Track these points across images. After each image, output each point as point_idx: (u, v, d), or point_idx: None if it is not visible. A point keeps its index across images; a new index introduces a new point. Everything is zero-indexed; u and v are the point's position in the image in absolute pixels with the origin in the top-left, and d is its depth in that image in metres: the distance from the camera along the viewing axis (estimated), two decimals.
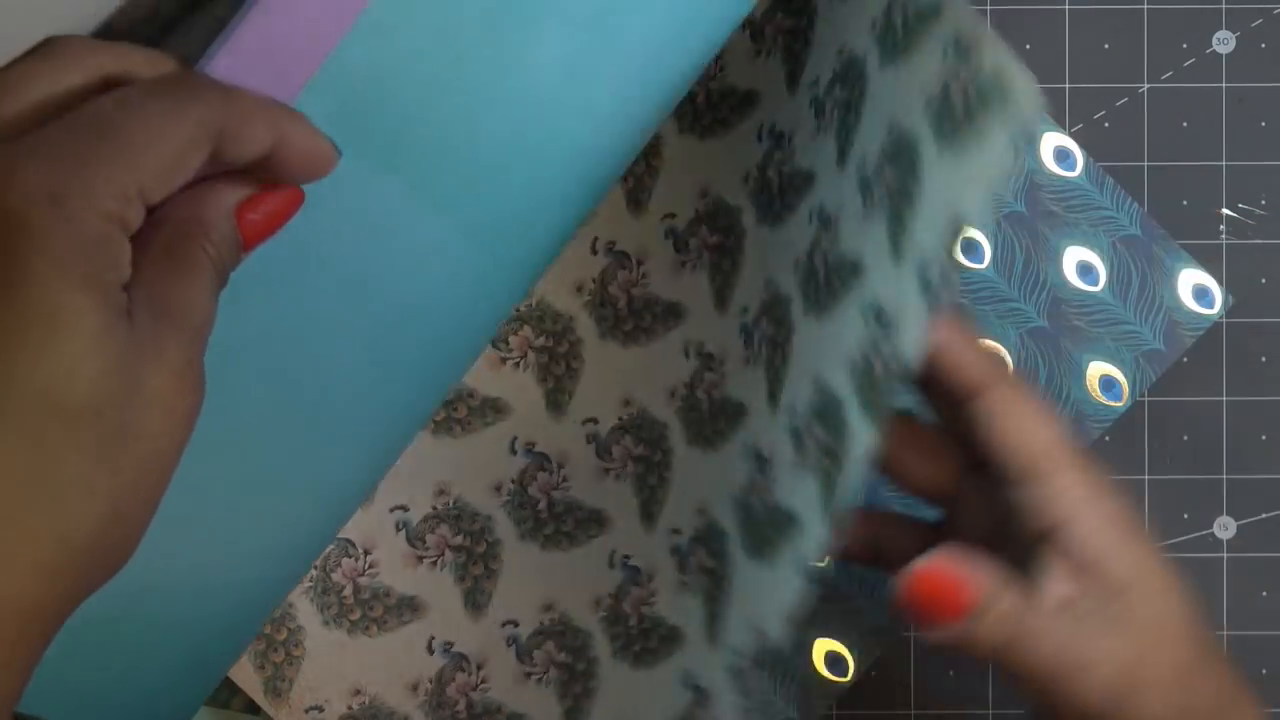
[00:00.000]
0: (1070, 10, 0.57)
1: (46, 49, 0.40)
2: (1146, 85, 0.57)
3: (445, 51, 0.44)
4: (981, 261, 0.56)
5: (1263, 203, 0.57)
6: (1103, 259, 0.56)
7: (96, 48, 0.40)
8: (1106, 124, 0.57)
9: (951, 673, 0.57)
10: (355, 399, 0.48)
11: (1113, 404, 0.56)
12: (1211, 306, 0.56)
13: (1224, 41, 0.57)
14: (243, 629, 0.50)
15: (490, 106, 0.45)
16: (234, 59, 0.41)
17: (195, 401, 0.38)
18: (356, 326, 0.46)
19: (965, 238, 0.56)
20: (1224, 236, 0.57)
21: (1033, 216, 0.56)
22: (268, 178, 0.40)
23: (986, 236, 0.56)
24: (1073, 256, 0.56)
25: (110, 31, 0.43)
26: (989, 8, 0.57)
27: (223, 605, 0.49)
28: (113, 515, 0.36)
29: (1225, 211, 0.57)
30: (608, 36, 0.46)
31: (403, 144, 0.44)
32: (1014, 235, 0.56)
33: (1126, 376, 0.56)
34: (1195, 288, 0.56)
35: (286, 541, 0.49)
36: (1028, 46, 0.57)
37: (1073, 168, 0.56)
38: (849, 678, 0.56)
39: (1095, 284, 0.56)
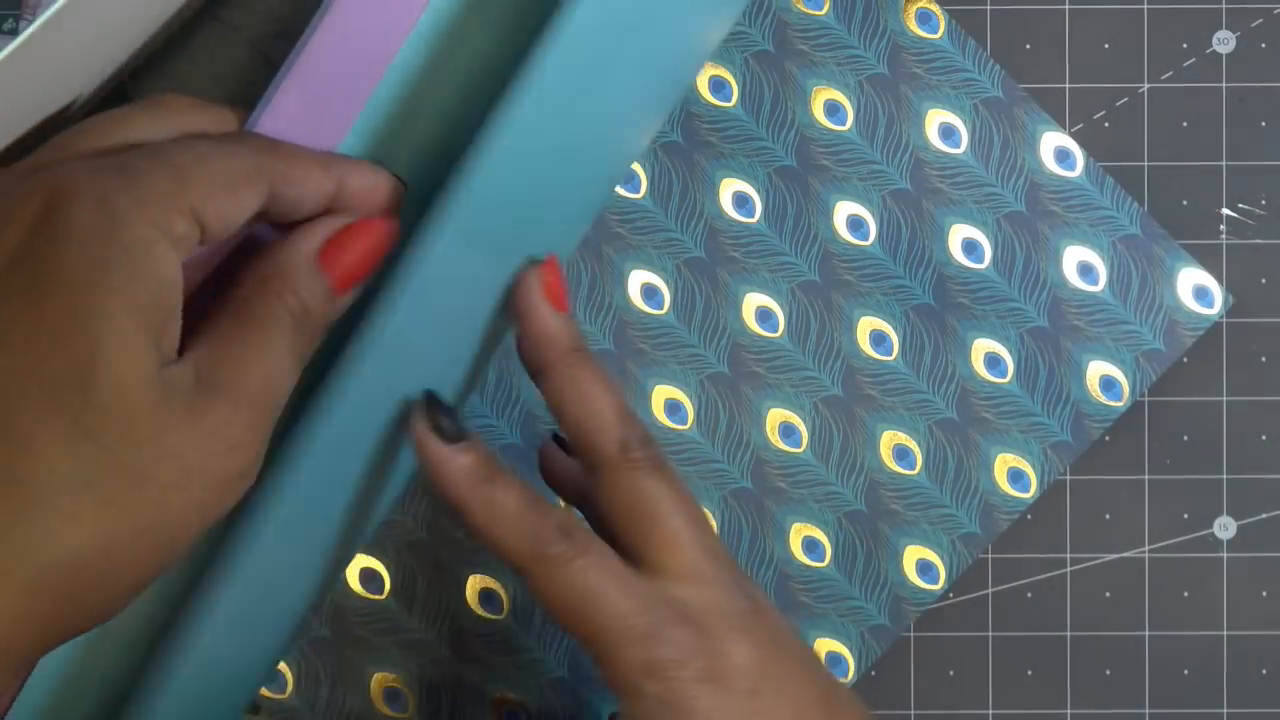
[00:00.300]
0: (1070, 10, 0.57)
1: (151, 100, 0.40)
2: (1146, 85, 0.57)
3: (459, 78, 0.44)
4: (981, 261, 0.56)
5: (1263, 203, 0.57)
6: (1103, 259, 0.56)
7: (197, 106, 0.40)
8: (1106, 124, 0.57)
9: (951, 673, 0.57)
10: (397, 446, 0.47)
11: (1113, 404, 0.56)
12: (1211, 306, 0.56)
13: (1224, 41, 0.57)
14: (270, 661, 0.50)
15: (503, 120, 0.45)
16: (276, 121, 0.42)
17: (228, 468, 0.36)
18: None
19: (966, 238, 0.56)
20: (1224, 236, 0.57)
21: (1033, 216, 0.56)
22: (349, 220, 0.41)
23: (987, 236, 0.56)
24: (1073, 256, 0.56)
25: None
26: (989, 8, 0.57)
27: (261, 644, 0.48)
28: (96, 550, 0.34)
29: (1225, 211, 0.57)
30: (614, 46, 0.46)
31: (416, 164, 0.45)
32: (1014, 235, 0.56)
33: (1126, 376, 0.56)
34: (1195, 288, 0.56)
35: (324, 573, 0.48)
36: (1028, 46, 0.57)
37: (1073, 168, 0.56)
38: (850, 677, 0.56)
39: (1095, 284, 0.56)
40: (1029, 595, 0.58)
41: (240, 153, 0.38)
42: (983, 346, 0.56)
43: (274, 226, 0.42)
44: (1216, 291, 0.56)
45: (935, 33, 0.56)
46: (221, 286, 0.40)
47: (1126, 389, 0.56)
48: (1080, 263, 0.56)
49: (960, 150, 0.56)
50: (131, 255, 0.35)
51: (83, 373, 0.34)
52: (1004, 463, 0.56)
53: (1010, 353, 0.56)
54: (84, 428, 0.34)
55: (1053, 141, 0.56)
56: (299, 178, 0.39)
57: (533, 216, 0.45)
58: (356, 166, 0.41)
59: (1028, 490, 0.56)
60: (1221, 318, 0.57)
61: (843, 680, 0.56)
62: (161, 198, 0.36)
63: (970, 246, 0.56)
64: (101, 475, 0.34)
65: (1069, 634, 0.58)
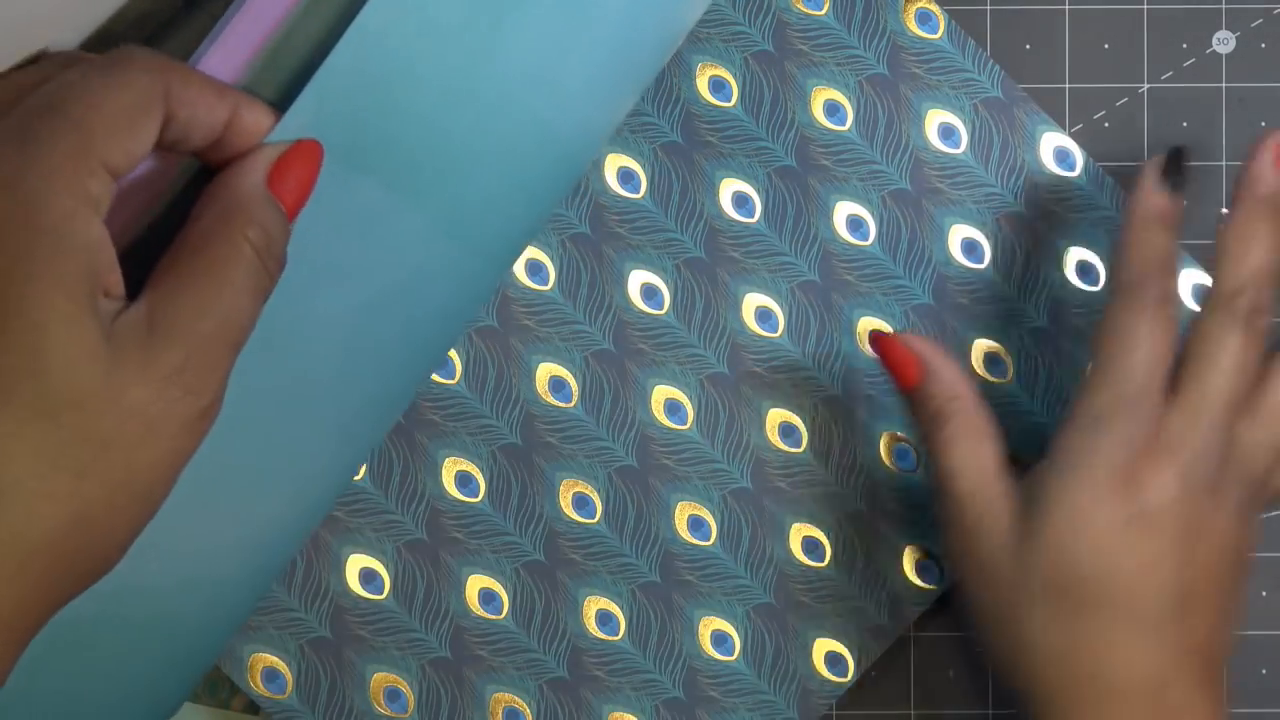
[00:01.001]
0: (1070, 10, 0.57)
1: (35, 58, 0.40)
2: (1146, 85, 0.57)
3: (424, 46, 0.44)
4: (981, 262, 0.56)
5: None
6: (1103, 259, 0.56)
7: (86, 57, 0.40)
8: (1106, 124, 0.57)
9: (951, 673, 0.57)
10: (332, 390, 0.47)
11: None
12: None
13: (1224, 41, 0.57)
14: (225, 624, 0.50)
15: (463, 96, 0.45)
16: (226, 56, 0.41)
17: (189, 412, 0.37)
18: (331, 318, 0.46)
19: (966, 238, 0.56)
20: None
21: (1033, 217, 0.56)
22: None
23: (986, 237, 0.56)
24: (1073, 257, 0.56)
25: (108, 36, 0.43)
26: (989, 8, 0.57)
27: (204, 601, 0.48)
28: (78, 519, 0.35)
29: (1225, 211, 0.57)
30: (577, 17, 0.45)
31: (380, 140, 0.44)
32: (1014, 236, 0.56)
33: None
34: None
35: (266, 534, 0.49)
36: (1028, 46, 0.57)
37: (1072, 168, 0.56)
38: (849, 678, 0.56)
39: (1095, 284, 0.56)
40: None
41: (134, 79, 0.37)
42: (983, 347, 0.56)
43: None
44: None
45: (935, 33, 0.56)
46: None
47: None
48: (1080, 263, 0.56)
49: (960, 150, 0.56)
50: (54, 234, 0.35)
51: (30, 360, 0.34)
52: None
53: (1010, 353, 0.56)
54: (41, 411, 0.34)
55: (1052, 142, 0.56)
56: (193, 99, 0.38)
57: (440, 150, 0.45)
58: (254, 101, 0.40)
59: None
60: None
61: (841, 680, 0.56)
62: (68, 161, 0.35)
63: (970, 247, 0.56)
64: (67, 451, 0.35)
65: None
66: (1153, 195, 0.49)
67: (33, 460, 0.34)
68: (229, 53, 0.41)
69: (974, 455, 0.49)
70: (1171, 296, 0.48)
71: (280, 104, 0.42)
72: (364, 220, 0.45)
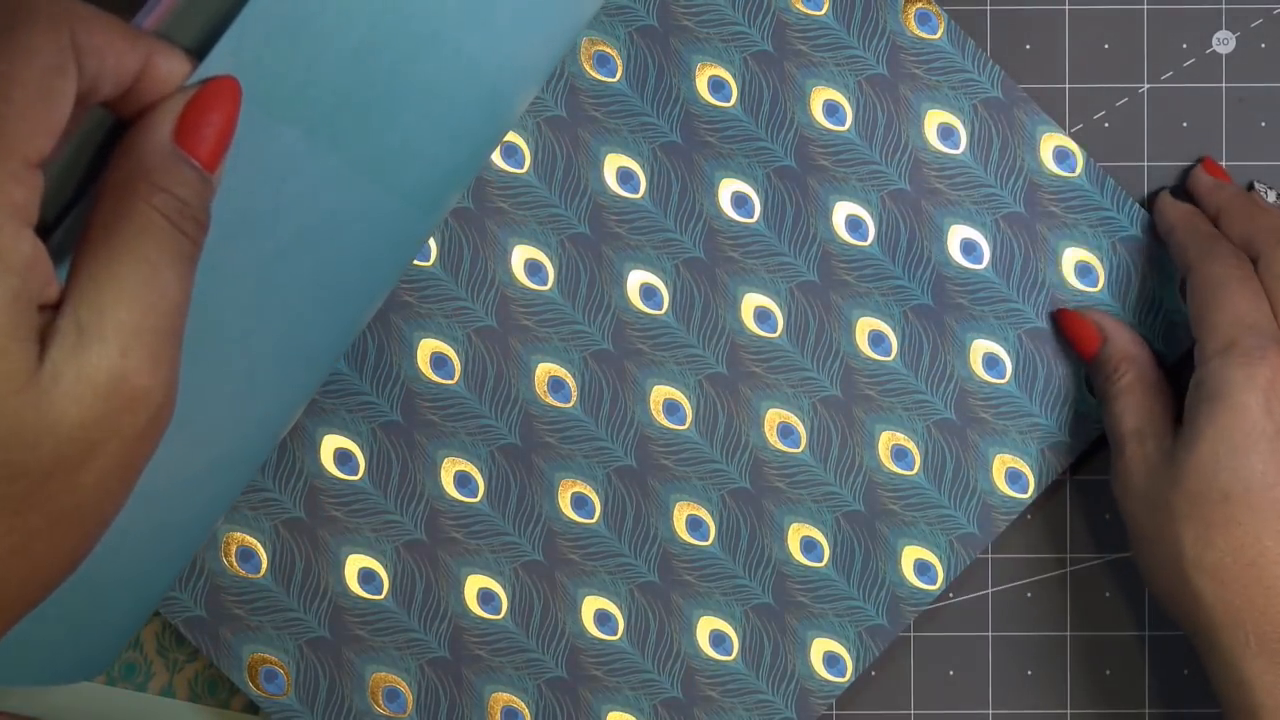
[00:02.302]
0: (1070, 10, 0.57)
1: None
2: (1146, 85, 0.57)
3: None
4: (980, 262, 0.56)
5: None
6: (1102, 260, 0.56)
7: None
8: (1106, 124, 0.57)
9: (951, 673, 0.57)
10: (240, 338, 0.45)
11: None
12: None
13: (1224, 41, 0.57)
14: (131, 578, 0.49)
15: (388, 32, 0.42)
16: None
17: (135, 422, 0.34)
18: (241, 265, 0.43)
19: (964, 238, 0.56)
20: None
21: (1032, 217, 0.56)
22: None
23: (985, 237, 0.56)
24: (1071, 258, 0.56)
25: None
26: (989, 8, 0.57)
27: (107, 554, 0.47)
28: (18, 550, 0.34)
29: None
30: None
31: (301, 85, 0.41)
32: (1013, 236, 0.56)
33: None
34: None
35: (171, 486, 0.47)
36: (1028, 46, 0.57)
37: (1072, 168, 0.56)
38: (847, 678, 0.56)
39: (1094, 285, 0.56)
40: (1029, 595, 0.58)
41: (38, 41, 0.33)
42: (981, 347, 0.56)
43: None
44: None
45: (934, 33, 0.55)
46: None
47: None
48: (1079, 264, 0.56)
49: (959, 151, 0.56)
50: None
51: None
52: (1002, 463, 0.56)
53: (1008, 353, 0.56)
54: None
55: (1052, 142, 0.56)
56: (100, 47, 0.34)
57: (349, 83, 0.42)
58: (169, 47, 0.36)
59: (1026, 491, 0.56)
60: None
61: (840, 680, 0.56)
62: None
63: (969, 247, 0.56)
64: (2, 488, 0.33)
65: (1069, 634, 0.58)
66: (1175, 204, 0.55)
67: None
68: None
69: (1142, 401, 0.53)
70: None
71: (198, 51, 0.38)
72: (281, 167, 0.42)
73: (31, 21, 0.33)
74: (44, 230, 0.36)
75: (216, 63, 0.38)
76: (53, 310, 0.34)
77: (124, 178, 0.35)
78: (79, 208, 0.37)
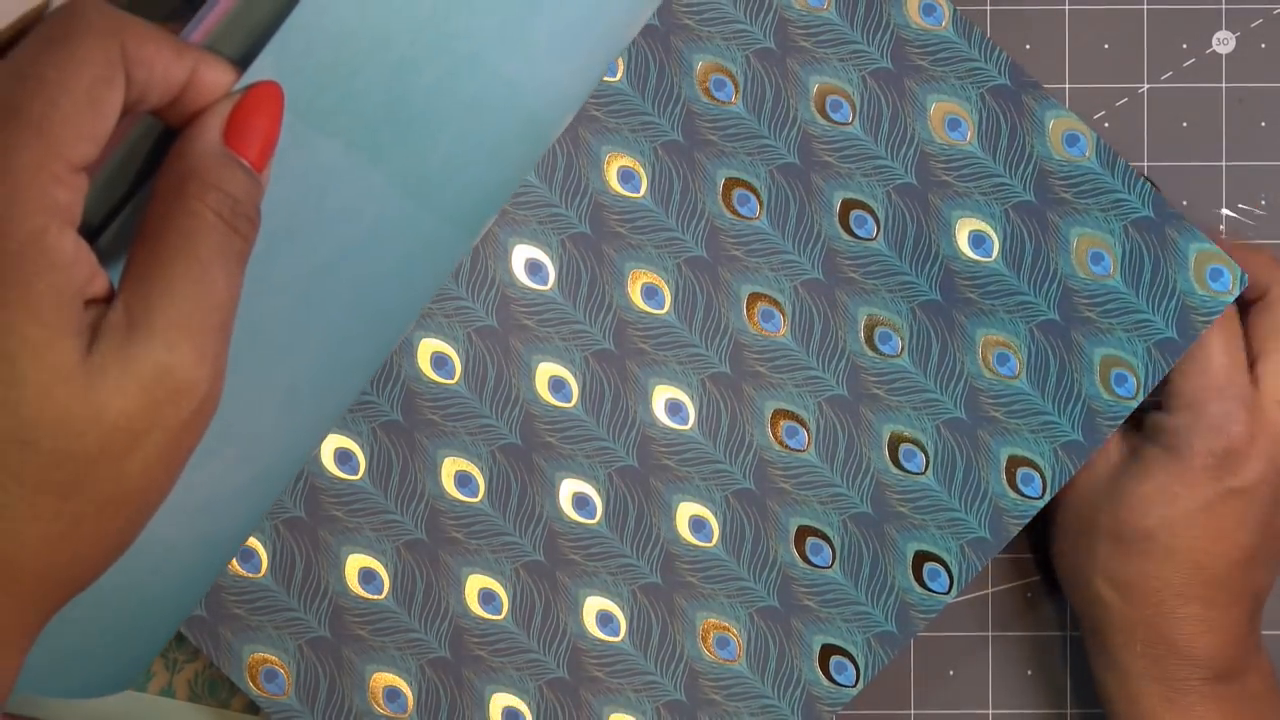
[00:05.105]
0: (1070, 10, 0.57)
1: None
2: (1146, 85, 0.57)
3: (387, 6, 0.42)
4: (990, 255, 0.55)
5: (1263, 203, 0.58)
6: (1114, 245, 0.55)
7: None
8: (1106, 124, 0.57)
9: (951, 673, 0.57)
10: (281, 352, 0.46)
11: (1125, 399, 0.55)
12: (1226, 287, 0.55)
13: (1224, 41, 0.57)
14: (176, 591, 0.49)
15: (429, 52, 0.43)
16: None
17: (179, 414, 0.36)
18: (283, 279, 0.44)
19: (973, 231, 0.55)
20: (1224, 236, 0.57)
21: (1042, 205, 0.55)
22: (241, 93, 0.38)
23: (995, 229, 0.55)
24: (1083, 244, 0.55)
25: None
26: (989, 8, 0.57)
27: (151, 567, 0.47)
28: (65, 536, 0.35)
29: (1225, 211, 0.58)
30: None
31: (342, 99, 0.42)
32: (1023, 226, 0.55)
33: (1139, 369, 0.55)
34: (1210, 269, 0.54)
35: (214, 500, 0.48)
36: (1028, 46, 0.57)
37: (1082, 151, 0.55)
38: (856, 685, 0.55)
39: (1107, 272, 0.55)
40: (1029, 595, 0.58)
41: (89, 52, 0.34)
42: (992, 342, 0.55)
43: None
44: (1231, 270, 0.55)
45: (940, 24, 0.55)
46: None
47: (1139, 383, 0.55)
48: (1091, 250, 0.55)
49: (966, 141, 0.55)
50: (22, 259, 0.34)
51: (4, 391, 0.34)
52: (1014, 464, 0.55)
53: (1020, 348, 0.55)
54: (19, 439, 0.34)
55: (1062, 126, 0.55)
56: (149, 58, 0.36)
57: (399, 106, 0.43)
58: (214, 58, 0.38)
59: (1039, 494, 0.55)
60: (1235, 297, 0.55)
61: (848, 688, 0.55)
62: (32, 175, 0.34)
63: (978, 240, 0.56)
64: (49, 474, 0.34)
65: (1069, 634, 0.58)
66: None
67: (15, 485, 0.34)
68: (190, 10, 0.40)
69: None
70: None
71: (242, 62, 0.40)
72: (322, 180, 0.43)
73: (84, 32, 0.35)
74: (92, 231, 0.38)
75: (259, 73, 0.39)
76: (104, 305, 0.35)
77: (176, 179, 0.36)
78: (127, 209, 0.38)
